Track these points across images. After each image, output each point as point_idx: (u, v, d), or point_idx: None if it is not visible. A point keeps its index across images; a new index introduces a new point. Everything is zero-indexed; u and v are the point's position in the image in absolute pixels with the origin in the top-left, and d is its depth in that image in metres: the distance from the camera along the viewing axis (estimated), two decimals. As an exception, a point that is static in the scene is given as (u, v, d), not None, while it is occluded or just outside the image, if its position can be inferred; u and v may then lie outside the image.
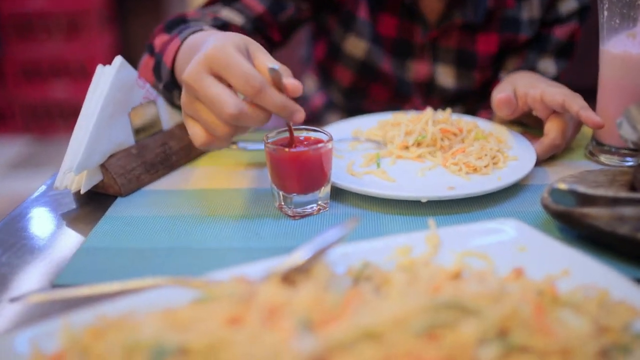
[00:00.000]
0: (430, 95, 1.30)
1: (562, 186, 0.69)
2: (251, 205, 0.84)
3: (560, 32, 1.20)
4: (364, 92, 1.32)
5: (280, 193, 0.80)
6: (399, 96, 1.30)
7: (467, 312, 0.52)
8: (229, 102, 0.66)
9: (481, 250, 0.67)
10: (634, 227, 0.66)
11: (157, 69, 0.95)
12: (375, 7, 1.20)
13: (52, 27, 3.39)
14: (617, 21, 0.86)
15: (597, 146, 0.94)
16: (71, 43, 3.42)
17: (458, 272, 0.62)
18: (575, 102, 0.86)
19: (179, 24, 1.00)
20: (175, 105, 0.99)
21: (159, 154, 0.93)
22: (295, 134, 0.80)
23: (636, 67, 0.87)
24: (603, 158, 0.93)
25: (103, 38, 3.42)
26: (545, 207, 0.73)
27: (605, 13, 0.87)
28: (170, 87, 0.94)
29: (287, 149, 0.76)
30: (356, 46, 1.24)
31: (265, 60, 0.70)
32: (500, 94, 0.93)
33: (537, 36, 1.22)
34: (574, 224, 0.70)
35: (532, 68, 1.22)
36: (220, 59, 0.67)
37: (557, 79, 1.23)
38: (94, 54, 3.38)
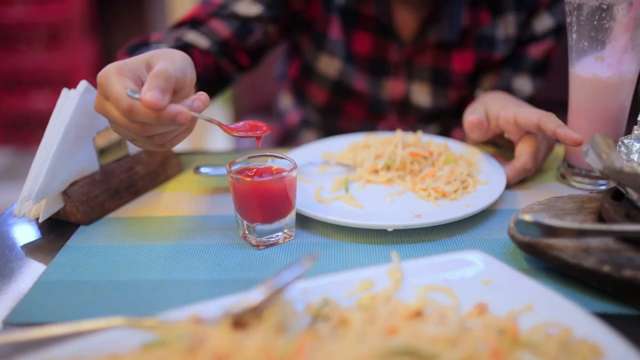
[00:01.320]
0: (406, 114, 1.29)
1: (527, 217, 0.67)
2: (216, 234, 0.82)
3: (535, 51, 1.19)
4: (339, 110, 1.30)
5: (244, 222, 0.78)
6: (374, 114, 1.29)
7: (422, 358, 0.50)
8: (121, 99, 0.68)
9: (445, 284, 0.65)
10: (599, 259, 0.65)
11: None
12: (349, 26, 1.19)
13: (33, 38, 3.35)
14: (586, 44, 0.85)
15: (569, 168, 0.93)
16: (52, 53, 3.38)
17: (419, 309, 0.61)
18: (551, 121, 0.85)
19: (141, 47, 0.99)
20: None
21: (124, 179, 0.91)
22: (260, 161, 0.79)
23: (605, 90, 0.86)
24: (574, 182, 0.92)
25: (85, 48, 3.39)
26: (511, 237, 0.71)
27: (574, 36, 0.86)
28: None
29: (249, 179, 0.75)
30: (329, 65, 1.23)
31: (147, 85, 0.69)
32: (471, 116, 0.92)
33: (513, 54, 1.21)
34: (539, 256, 0.69)
35: (508, 86, 1.21)
36: (101, 83, 0.70)
37: (533, 97, 1.23)
38: (76, 64, 3.34)
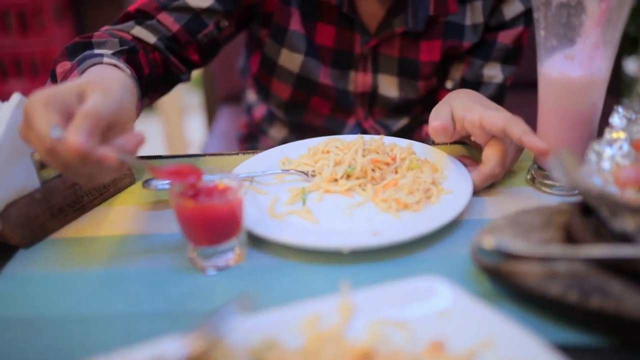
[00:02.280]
0: (374, 106, 1.23)
1: (488, 244, 0.62)
2: (163, 256, 0.77)
3: (505, 37, 1.14)
4: (304, 105, 1.24)
5: (190, 244, 0.73)
6: (341, 108, 1.23)
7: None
8: (44, 137, 0.64)
9: (399, 319, 0.61)
10: (565, 285, 0.61)
11: None
12: (309, 17, 1.13)
13: (5, 22, 3.25)
14: (554, 42, 0.80)
15: (539, 170, 0.88)
16: (26, 38, 3.28)
17: (368, 351, 0.56)
18: (517, 127, 0.80)
19: (82, 49, 0.92)
20: None
21: (68, 196, 0.86)
22: (203, 181, 0.73)
23: (575, 90, 0.81)
24: (544, 187, 0.87)
25: (59, 31, 3.29)
26: (474, 259, 0.67)
27: (542, 33, 0.80)
28: None
29: (190, 203, 0.70)
30: (291, 59, 1.17)
31: (73, 125, 0.64)
32: (435, 122, 0.86)
33: (482, 42, 1.15)
34: (503, 281, 0.64)
35: (478, 75, 1.16)
36: (26, 112, 0.66)
37: (504, 84, 1.17)
38: (50, 48, 3.25)
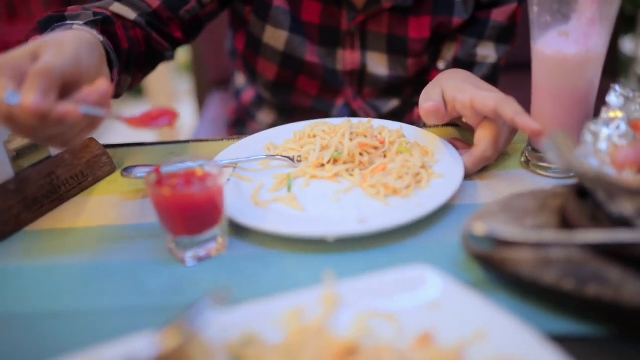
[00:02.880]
0: (363, 86, 1.20)
1: (479, 231, 0.59)
2: (142, 247, 0.74)
3: (498, 15, 1.10)
4: (291, 85, 1.21)
5: (169, 235, 0.70)
6: (329, 88, 1.20)
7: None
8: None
9: (387, 310, 0.58)
10: (560, 272, 0.58)
11: None
12: None
13: (-10, 9, 3.20)
14: (548, 18, 0.76)
15: (533, 152, 0.85)
16: (13, 25, 3.23)
17: (352, 346, 0.53)
18: (509, 108, 0.77)
19: (54, 22, 0.88)
20: None
21: (43, 186, 0.82)
22: (179, 166, 0.70)
23: (571, 68, 0.77)
24: (539, 170, 0.84)
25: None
26: (465, 247, 0.63)
27: (535, 9, 0.77)
28: None
29: (167, 191, 0.66)
30: (275, 37, 1.13)
31: (25, 86, 0.61)
32: (427, 103, 0.82)
33: (475, 21, 1.11)
34: (495, 269, 0.61)
35: (472, 55, 1.13)
36: None
37: (498, 64, 1.14)
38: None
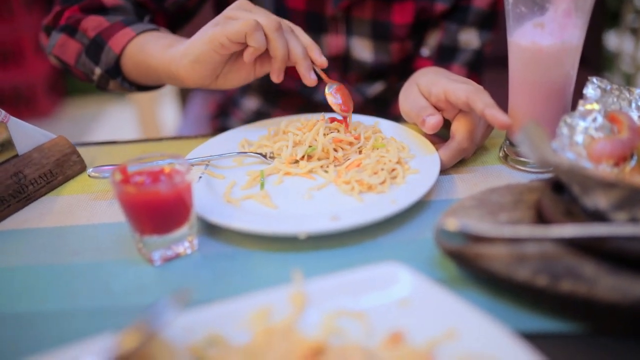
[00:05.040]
0: (348, 71, 1.19)
1: (452, 226, 0.58)
2: (109, 248, 0.72)
3: (480, 1, 1.09)
4: None
5: (136, 234, 0.68)
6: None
7: None
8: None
9: (356, 309, 0.56)
10: (534, 268, 0.56)
11: (92, 51, 0.94)
12: None
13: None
14: (524, 9, 0.75)
15: (511, 147, 0.83)
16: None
17: (320, 346, 0.51)
18: (480, 100, 0.75)
19: (100, 11, 0.96)
20: (107, 90, 1.00)
21: (10, 185, 0.80)
22: (147, 163, 0.68)
23: (546, 60, 0.76)
24: (518, 164, 0.82)
25: (28, 18, 3.20)
26: (437, 243, 0.62)
27: (511, 0, 0.75)
28: (112, 73, 0.94)
29: (132, 189, 0.64)
30: None
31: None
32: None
33: (457, 7, 1.11)
34: (468, 265, 0.59)
35: (454, 41, 1.12)
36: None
37: (481, 51, 1.13)
38: (22, 35, 3.15)
